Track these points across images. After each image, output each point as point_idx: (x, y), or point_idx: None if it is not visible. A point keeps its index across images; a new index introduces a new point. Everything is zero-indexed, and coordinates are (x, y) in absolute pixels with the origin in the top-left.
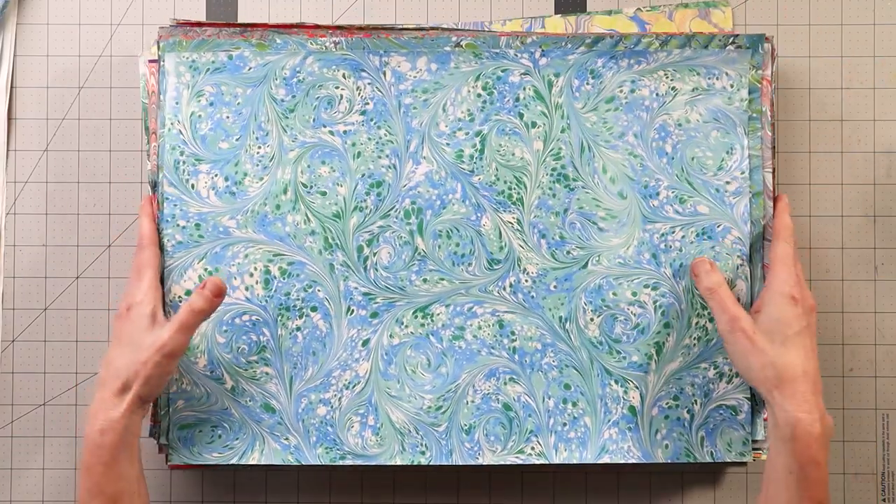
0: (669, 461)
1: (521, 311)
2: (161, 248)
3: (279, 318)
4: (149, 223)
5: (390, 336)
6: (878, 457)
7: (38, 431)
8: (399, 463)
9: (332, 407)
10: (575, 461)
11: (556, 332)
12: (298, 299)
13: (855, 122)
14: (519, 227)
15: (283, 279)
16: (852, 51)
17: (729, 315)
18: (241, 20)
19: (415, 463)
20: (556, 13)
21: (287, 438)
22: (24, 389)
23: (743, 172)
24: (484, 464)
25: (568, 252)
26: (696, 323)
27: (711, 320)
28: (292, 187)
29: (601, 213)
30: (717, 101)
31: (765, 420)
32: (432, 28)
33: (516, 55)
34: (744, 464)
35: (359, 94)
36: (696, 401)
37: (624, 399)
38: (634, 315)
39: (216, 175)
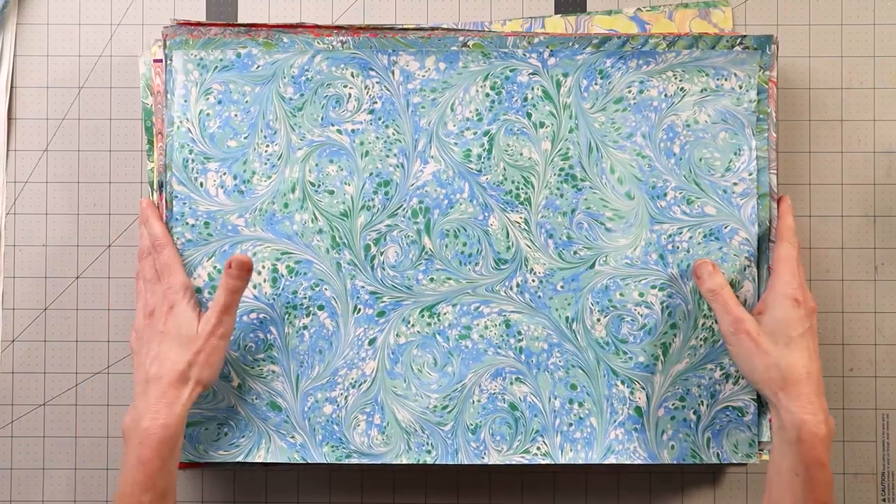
0: (675, 462)
1: (528, 311)
2: None
3: (286, 316)
4: (159, 224)
5: (397, 335)
6: (878, 457)
7: (38, 431)
8: (405, 462)
9: (338, 405)
10: (581, 461)
11: (562, 332)
12: (305, 298)
13: (855, 122)
14: (526, 227)
15: (291, 277)
16: (852, 51)
17: (732, 317)
18: (241, 20)
19: (420, 462)
20: (556, 13)
21: (293, 437)
22: (24, 389)
23: (751, 174)
24: (490, 463)
25: (575, 252)
26: (703, 324)
27: (717, 321)
28: (300, 186)
29: (609, 214)
30: (726, 102)
31: (770, 422)
32: (433, 28)
33: (525, 55)
34: (744, 464)
35: (367, 92)
36: (702, 402)
37: (630, 400)
38: (641, 316)
39: (224, 173)
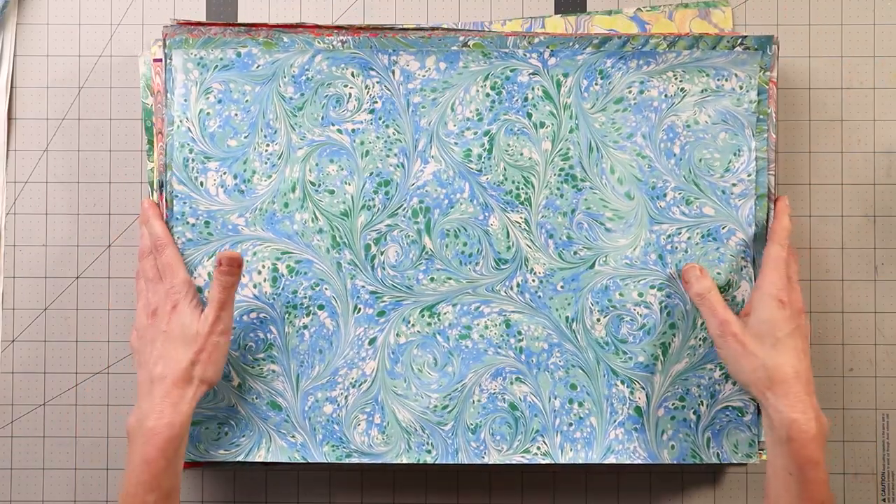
0: (675, 462)
1: (528, 311)
2: None
3: (286, 315)
4: (160, 224)
5: (397, 335)
6: (878, 457)
7: (38, 431)
8: (405, 461)
9: (338, 405)
10: (580, 461)
11: (562, 332)
12: (306, 297)
13: (855, 122)
14: (526, 227)
15: (291, 277)
16: (852, 51)
17: (719, 319)
18: (240, 20)
19: (421, 462)
20: (556, 13)
21: (293, 436)
22: (24, 389)
23: (750, 175)
24: (490, 463)
25: (575, 252)
26: (702, 324)
27: None
28: (300, 185)
29: (608, 214)
30: (726, 103)
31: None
32: (433, 28)
33: (525, 55)
34: (744, 464)
35: (367, 92)
36: (702, 402)
37: (630, 399)
38: (640, 316)
39: (225, 173)
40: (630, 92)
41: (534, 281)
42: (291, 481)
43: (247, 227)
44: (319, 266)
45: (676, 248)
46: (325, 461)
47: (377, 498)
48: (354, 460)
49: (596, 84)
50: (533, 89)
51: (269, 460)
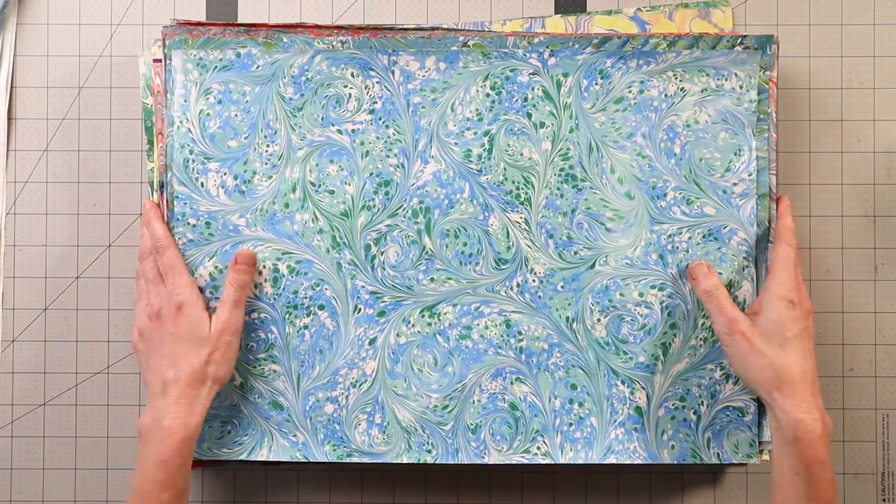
0: (675, 462)
1: (528, 311)
2: None
3: (287, 315)
4: (161, 225)
5: (397, 335)
6: (878, 457)
7: (38, 431)
8: (405, 461)
9: (339, 405)
10: (580, 461)
11: (562, 332)
12: (306, 297)
13: (855, 122)
14: (526, 227)
15: (292, 277)
16: (852, 51)
17: (727, 318)
18: (240, 20)
19: (421, 461)
20: (556, 13)
21: (295, 435)
22: (24, 389)
23: (751, 174)
24: (490, 463)
25: (575, 252)
26: (703, 324)
27: None
28: (301, 186)
29: (609, 214)
30: (726, 102)
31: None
32: (433, 28)
33: (525, 55)
34: (744, 464)
35: (367, 92)
36: (702, 402)
37: (630, 400)
38: (641, 316)
39: (225, 173)
40: (630, 92)
41: (534, 281)
42: (291, 481)
43: (248, 227)
44: (319, 266)
45: (677, 247)
46: (327, 460)
47: (377, 498)
48: (355, 460)
49: (596, 84)
50: (533, 89)
51: (271, 459)
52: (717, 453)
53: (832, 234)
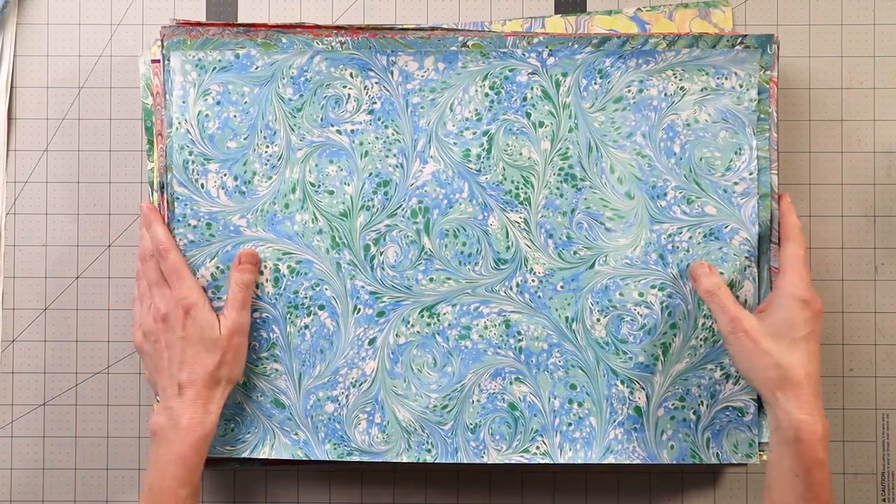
0: (675, 462)
1: (528, 311)
2: None
3: (288, 315)
4: (163, 228)
5: (396, 335)
6: (878, 457)
7: (38, 431)
8: (405, 460)
9: (339, 404)
10: (580, 461)
11: (562, 332)
12: (306, 297)
13: (855, 122)
14: (526, 227)
15: (292, 277)
16: (852, 51)
17: (729, 316)
18: (240, 20)
19: (421, 461)
20: (556, 13)
21: (296, 434)
22: (24, 389)
23: (751, 173)
24: (489, 462)
25: (575, 252)
26: (703, 324)
27: None
28: (300, 186)
29: (608, 214)
30: (726, 101)
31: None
32: (433, 28)
33: (524, 55)
34: (744, 464)
35: (366, 93)
36: (702, 402)
37: (630, 400)
38: (641, 316)
39: (225, 174)
40: (629, 91)
41: (533, 281)
42: (291, 481)
43: (248, 228)
44: (319, 266)
45: (678, 247)
46: (328, 459)
47: (377, 497)
48: (355, 459)
49: (595, 83)
50: (532, 89)
51: (272, 457)
52: (717, 453)
53: (832, 234)
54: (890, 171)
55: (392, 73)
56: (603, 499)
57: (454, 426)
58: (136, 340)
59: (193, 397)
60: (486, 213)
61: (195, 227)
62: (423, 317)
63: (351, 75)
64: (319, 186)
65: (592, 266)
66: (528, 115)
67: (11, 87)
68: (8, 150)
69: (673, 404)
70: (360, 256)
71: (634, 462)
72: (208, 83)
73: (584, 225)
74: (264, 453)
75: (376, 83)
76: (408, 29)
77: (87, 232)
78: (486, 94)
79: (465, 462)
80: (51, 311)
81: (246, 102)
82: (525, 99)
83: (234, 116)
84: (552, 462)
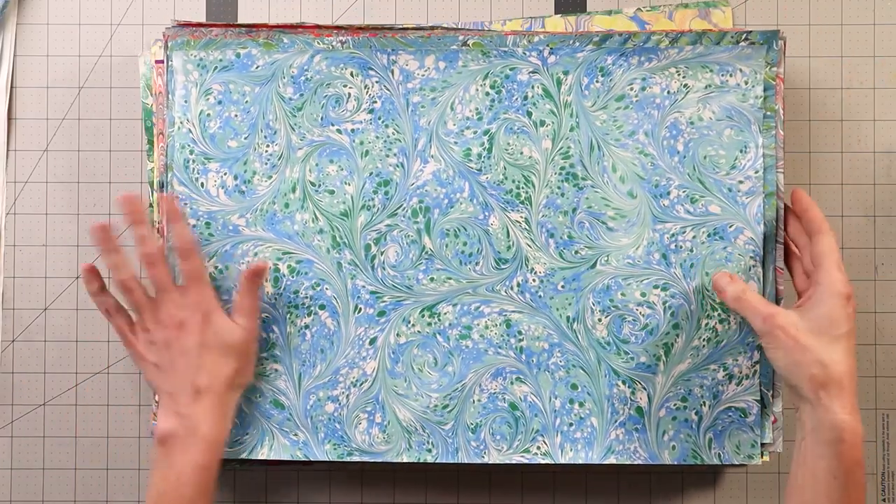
0: (676, 463)
1: (529, 311)
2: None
3: (288, 315)
4: (188, 227)
5: (397, 335)
6: (878, 457)
7: (38, 431)
8: (406, 460)
9: (339, 404)
10: (581, 461)
11: (563, 332)
12: (307, 297)
13: (855, 122)
14: (527, 227)
15: (292, 277)
16: (852, 51)
17: (763, 314)
18: (241, 20)
19: (421, 461)
20: (556, 13)
21: (296, 434)
22: (24, 389)
23: (757, 172)
24: (489, 462)
25: (576, 252)
26: (706, 324)
27: (721, 321)
28: (301, 186)
29: (610, 213)
30: (731, 99)
31: (774, 422)
32: (433, 28)
33: (525, 53)
34: (745, 465)
35: (367, 92)
36: (704, 402)
37: (631, 400)
38: (643, 316)
39: (225, 174)
40: (631, 89)
41: (534, 281)
42: (291, 481)
43: (248, 227)
44: (320, 266)
45: (681, 247)
46: (327, 459)
47: (377, 497)
48: (356, 459)
49: (597, 81)
50: (533, 87)
51: (272, 458)
52: (719, 454)
53: None
54: (890, 171)
55: (392, 72)
56: (603, 499)
57: (455, 426)
58: (139, 351)
59: (212, 404)
60: (486, 213)
61: (194, 226)
62: (423, 316)
63: (351, 74)
64: (320, 186)
65: (594, 266)
66: (529, 114)
67: (11, 87)
68: (8, 150)
69: (675, 405)
70: (361, 256)
71: (636, 462)
72: (210, 83)
73: (586, 224)
74: (263, 454)
75: (377, 82)
76: (408, 28)
77: (87, 232)
78: (487, 93)
79: (466, 462)
80: (51, 311)
81: (247, 102)
82: (526, 98)
83: (235, 116)
84: (553, 462)
